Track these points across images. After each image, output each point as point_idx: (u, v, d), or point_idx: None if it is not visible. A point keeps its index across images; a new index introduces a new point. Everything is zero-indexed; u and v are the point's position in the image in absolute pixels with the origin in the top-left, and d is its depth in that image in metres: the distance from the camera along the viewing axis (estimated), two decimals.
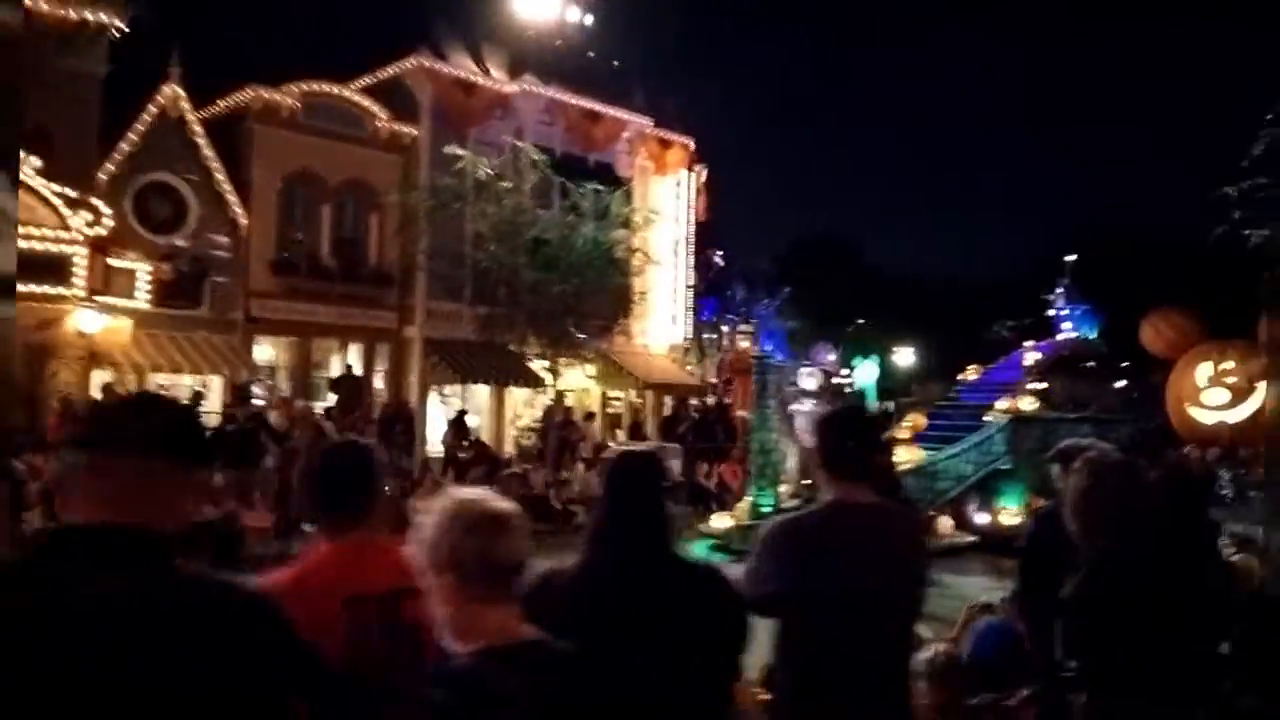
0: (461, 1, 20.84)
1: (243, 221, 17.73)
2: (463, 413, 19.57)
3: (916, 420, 15.57)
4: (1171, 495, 5.03)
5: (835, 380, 44.65)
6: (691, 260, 24.29)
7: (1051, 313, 18.14)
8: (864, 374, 45.72)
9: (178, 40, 16.89)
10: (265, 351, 18.69)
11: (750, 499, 12.78)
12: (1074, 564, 3.23)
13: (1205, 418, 22.74)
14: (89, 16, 14.82)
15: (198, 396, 15.49)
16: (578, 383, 22.91)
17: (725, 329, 26.18)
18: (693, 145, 24.41)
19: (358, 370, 19.47)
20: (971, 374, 17.90)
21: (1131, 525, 3.15)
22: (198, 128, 17.19)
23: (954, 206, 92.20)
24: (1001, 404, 14.37)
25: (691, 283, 24.21)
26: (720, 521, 12.89)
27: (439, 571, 1.84)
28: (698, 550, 11.29)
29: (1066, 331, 17.51)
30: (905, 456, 13.46)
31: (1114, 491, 3.19)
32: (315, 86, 18.53)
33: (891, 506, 3.10)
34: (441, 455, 17.89)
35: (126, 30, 15.46)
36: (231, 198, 17.57)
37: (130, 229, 16.54)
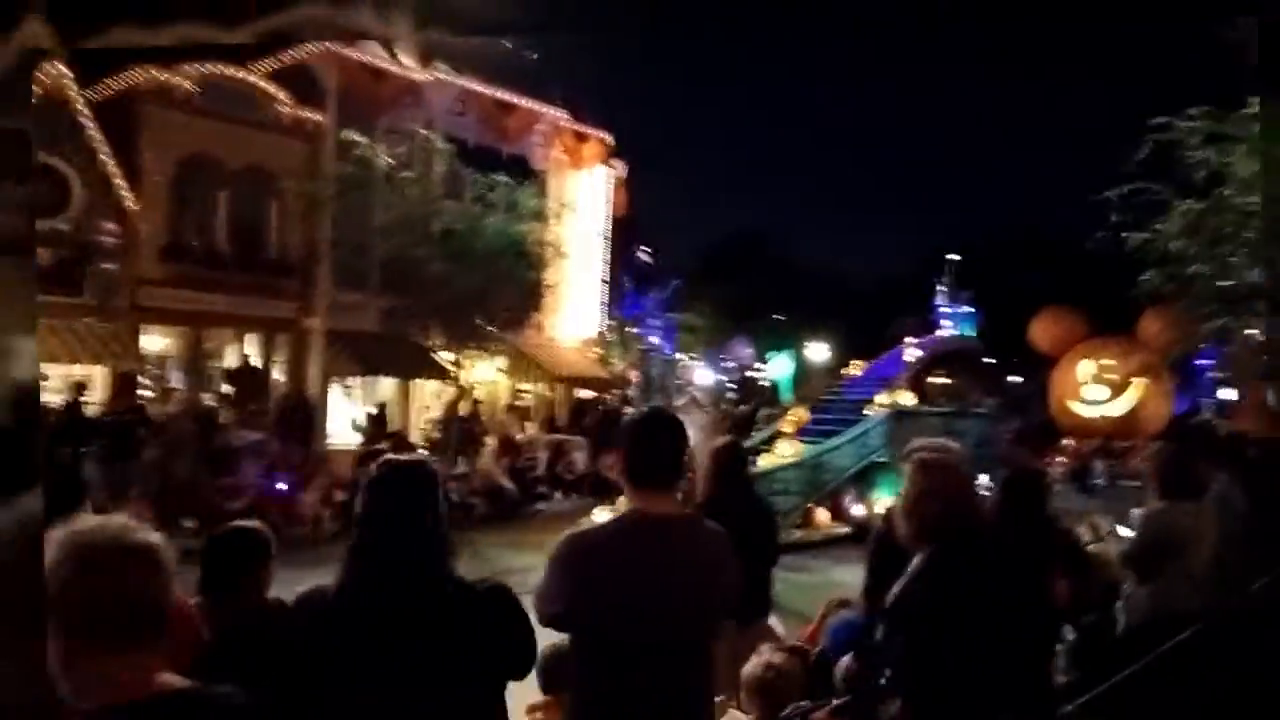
0: None
1: (131, 207, 17.05)
2: (383, 405, 19.24)
3: (800, 414, 15.79)
4: (1010, 498, 5.14)
5: (750, 374, 45.16)
6: (607, 255, 24.24)
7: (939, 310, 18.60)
8: (778, 368, 46.27)
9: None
10: (155, 341, 18.03)
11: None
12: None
13: (1085, 412, 23.63)
14: None
15: (79, 387, 14.88)
16: (487, 375, 22.69)
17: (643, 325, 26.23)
18: (610, 140, 24.34)
19: (256, 361, 18.98)
20: (854, 369, 18.27)
21: (957, 529, 3.14)
22: (83, 108, 16.47)
23: (870, 204, 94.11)
24: (881, 398, 14.62)
25: (606, 277, 24.16)
26: (601, 517, 12.78)
27: (53, 615, 1.52)
28: None
29: (946, 329, 18.00)
30: (787, 450, 13.62)
31: (940, 494, 3.18)
32: (213, 68, 17.90)
33: (695, 520, 2.93)
34: (348, 447, 17.57)
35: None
36: (119, 182, 16.89)
37: None
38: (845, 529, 13.51)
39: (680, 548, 2.67)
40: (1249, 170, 13.13)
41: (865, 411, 14.39)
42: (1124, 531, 5.99)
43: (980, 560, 3.09)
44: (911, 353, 16.30)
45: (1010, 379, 42.24)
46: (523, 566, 12.00)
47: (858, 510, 14.01)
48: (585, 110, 23.77)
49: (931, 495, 3.16)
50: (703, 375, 13.25)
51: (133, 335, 17.15)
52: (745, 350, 46.85)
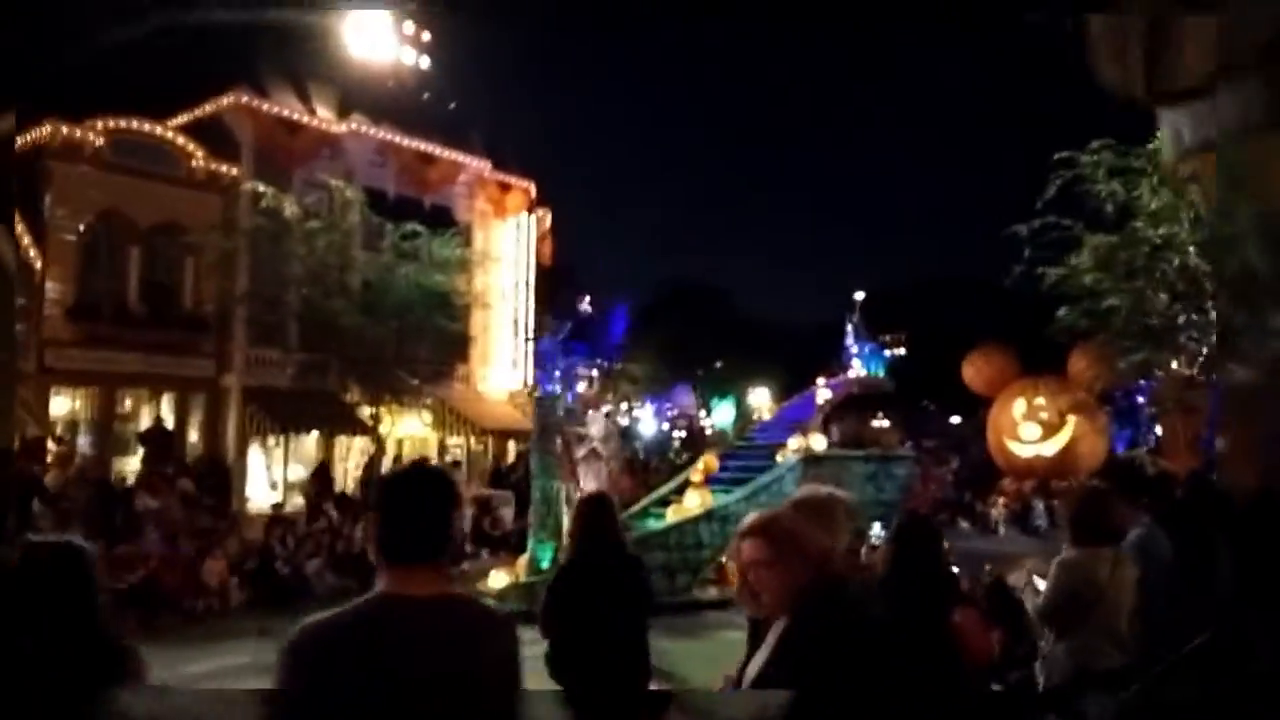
0: (290, 40, 20.18)
1: (37, 265, 16.55)
2: (325, 463, 18.72)
3: (709, 462, 15.55)
4: (900, 548, 4.99)
5: (698, 422, 45.01)
6: (531, 305, 24.10)
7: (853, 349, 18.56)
8: (721, 415, 46.39)
9: None
10: (64, 404, 17.39)
11: (529, 553, 12.16)
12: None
13: (1021, 451, 23.96)
14: None
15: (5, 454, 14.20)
16: (414, 430, 22.29)
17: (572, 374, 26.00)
18: (533, 189, 24.36)
19: (169, 422, 18.38)
20: (766, 413, 18.10)
21: (811, 596, 2.95)
22: None
23: (802, 250, 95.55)
24: (793, 443, 14.41)
25: (532, 328, 23.99)
26: (497, 580, 12.21)
27: None
28: None
29: (856, 368, 17.96)
30: (694, 501, 13.27)
31: (774, 562, 2.97)
32: (123, 123, 17.57)
33: (458, 602, 2.35)
34: (263, 511, 17.02)
35: None
36: (24, 240, 16.38)
37: None
38: None
39: (433, 638, 2.16)
40: (1157, 203, 13.43)
41: (777, 457, 14.13)
42: (1041, 583, 5.73)
43: (843, 626, 2.87)
44: (822, 394, 16.18)
45: (933, 420, 42.76)
46: None
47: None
48: (509, 159, 23.78)
49: (763, 565, 2.94)
50: (594, 426, 12.81)
51: (41, 398, 16.53)
52: (687, 398, 46.97)
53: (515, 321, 23.80)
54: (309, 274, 17.18)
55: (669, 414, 45.07)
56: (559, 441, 12.15)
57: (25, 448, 15.66)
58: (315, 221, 16.39)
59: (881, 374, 17.69)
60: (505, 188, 23.66)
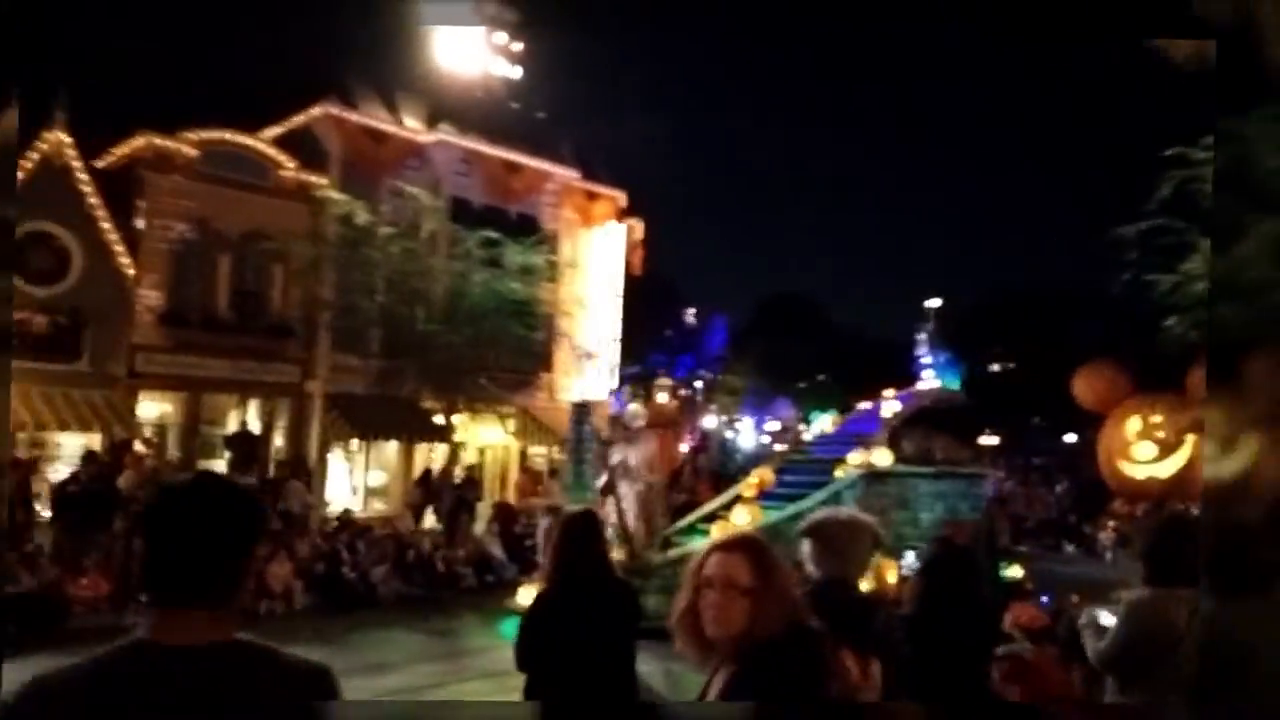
0: (381, 52, 20.48)
1: (129, 272, 17.08)
2: (428, 470, 18.89)
3: (763, 476, 14.70)
4: (931, 583, 4.37)
5: (795, 433, 44.16)
6: (619, 314, 23.75)
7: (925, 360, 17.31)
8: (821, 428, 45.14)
9: (64, 86, 16.43)
10: (152, 408, 17.89)
11: None
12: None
13: (1134, 471, 22.15)
14: None
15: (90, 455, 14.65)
16: (496, 439, 22.22)
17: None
18: (623, 199, 24.06)
19: (254, 427, 18.73)
20: (828, 425, 17.16)
21: (761, 642, 2.39)
22: (83, 175, 16.64)
23: (907, 264, 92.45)
24: (854, 457, 13.45)
25: (618, 336, 23.64)
26: (526, 597, 11.74)
27: None
28: (506, 630, 10.30)
29: (928, 380, 16.67)
30: (743, 518, 12.46)
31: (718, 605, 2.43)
32: (212, 134, 18.04)
33: (244, 654, 1.85)
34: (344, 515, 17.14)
35: None
36: (119, 248, 16.96)
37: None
38: None
39: (194, 697, 1.74)
40: None
41: (836, 472, 13.19)
42: (1107, 619, 4.91)
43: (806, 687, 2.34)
44: (889, 407, 15.12)
45: (1043, 437, 40.57)
46: (481, 647, 11.29)
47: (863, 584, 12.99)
48: (598, 169, 23.55)
49: (738, 589, 2.41)
50: (633, 420, 12.03)
51: (129, 402, 17.03)
52: (787, 411, 46.24)
53: (600, 332, 23.48)
54: (387, 281, 17.26)
55: (769, 427, 44.46)
56: (596, 452, 11.69)
57: (113, 449, 16.13)
58: (388, 229, 16.42)
59: (956, 386, 16.44)
60: (593, 197, 23.43)
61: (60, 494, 12.70)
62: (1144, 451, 21.29)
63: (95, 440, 16.23)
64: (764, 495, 13.83)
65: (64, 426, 15.82)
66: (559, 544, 4.63)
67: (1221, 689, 3.18)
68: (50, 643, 8.73)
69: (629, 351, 27.59)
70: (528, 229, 20.09)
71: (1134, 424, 21.24)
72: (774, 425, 46.30)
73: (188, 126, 17.80)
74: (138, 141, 17.38)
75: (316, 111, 19.19)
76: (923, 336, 16.95)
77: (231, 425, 18.70)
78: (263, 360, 18.57)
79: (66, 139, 16.40)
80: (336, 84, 19.53)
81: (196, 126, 17.91)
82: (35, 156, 16.15)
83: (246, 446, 18.13)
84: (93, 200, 16.71)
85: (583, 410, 12.15)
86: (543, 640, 4.48)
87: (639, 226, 25.56)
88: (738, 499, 13.65)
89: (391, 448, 20.07)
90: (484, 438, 22.08)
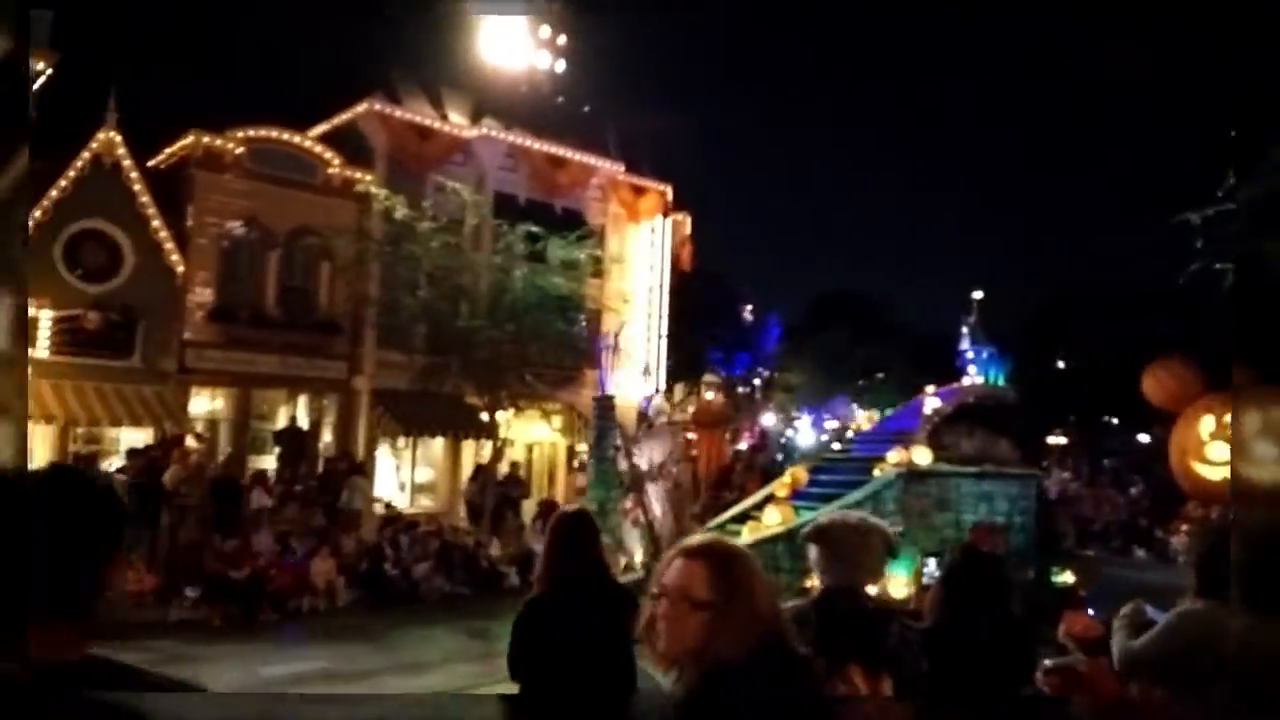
0: (427, 49, 20.48)
1: (179, 269, 17.28)
2: (480, 466, 18.86)
3: (796, 475, 14.05)
4: (954, 593, 3.97)
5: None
6: (665, 309, 23.43)
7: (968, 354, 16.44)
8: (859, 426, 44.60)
9: (115, 86, 16.66)
10: (204, 404, 18.09)
11: None
12: None
13: (1209, 473, 21.11)
14: None
15: (135, 451, 14.86)
16: (543, 435, 22.08)
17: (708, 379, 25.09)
18: (669, 192, 23.72)
19: (303, 422, 18.83)
20: (865, 423, 16.49)
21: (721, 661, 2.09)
22: (134, 174, 16.87)
23: (968, 260, 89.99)
24: (894, 456, 12.80)
25: (665, 332, 23.32)
26: None
27: None
28: None
29: (972, 376, 15.86)
30: (775, 518, 11.92)
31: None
32: (260, 132, 18.17)
33: (102, 670, 1.66)
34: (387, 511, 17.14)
35: (47, 74, 15.18)
36: (169, 246, 17.16)
37: (59, 277, 16.15)
38: None
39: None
40: None
41: (875, 471, 12.63)
42: (1155, 615, 4.46)
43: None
44: (931, 403, 14.43)
45: (1115, 437, 39.22)
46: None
47: (870, 590, 12.26)
48: (644, 163, 23.25)
49: (693, 603, 2.11)
50: (661, 437, 11.50)
51: (180, 397, 17.23)
52: (846, 409, 45.58)
53: (649, 327, 23.21)
54: (429, 277, 17.19)
55: (828, 425, 43.86)
56: (623, 451, 11.34)
57: (163, 445, 16.32)
58: (429, 223, 16.32)
59: (1002, 382, 15.65)
60: (639, 191, 23.14)
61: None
62: (1218, 452, 20.30)
63: (148, 435, 16.50)
64: (797, 495, 13.32)
65: (117, 422, 16.06)
66: (550, 546, 4.35)
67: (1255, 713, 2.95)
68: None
69: (682, 348, 27.29)
70: (573, 224, 19.88)
71: (1208, 423, 20.21)
72: (833, 424, 45.60)
73: (236, 125, 17.96)
74: (187, 140, 17.57)
75: (362, 108, 19.23)
76: (965, 330, 16.17)
77: (281, 421, 18.84)
78: (310, 356, 18.66)
79: (117, 138, 16.64)
80: (382, 81, 19.55)
81: (245, 124, 18.07)
82: (86, 155, 16.41)
83: (295, 442, 18.25)
84: (143, 198, 16.92)
85: (604, 404, 11.80)
86: (534, 648, 4.22)
87: (686, 221, 25.22)
88: (771, 498, 13.19)
89: (438, 444, 20.04)
90: (531, 434, 21.96)
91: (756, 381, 39.11)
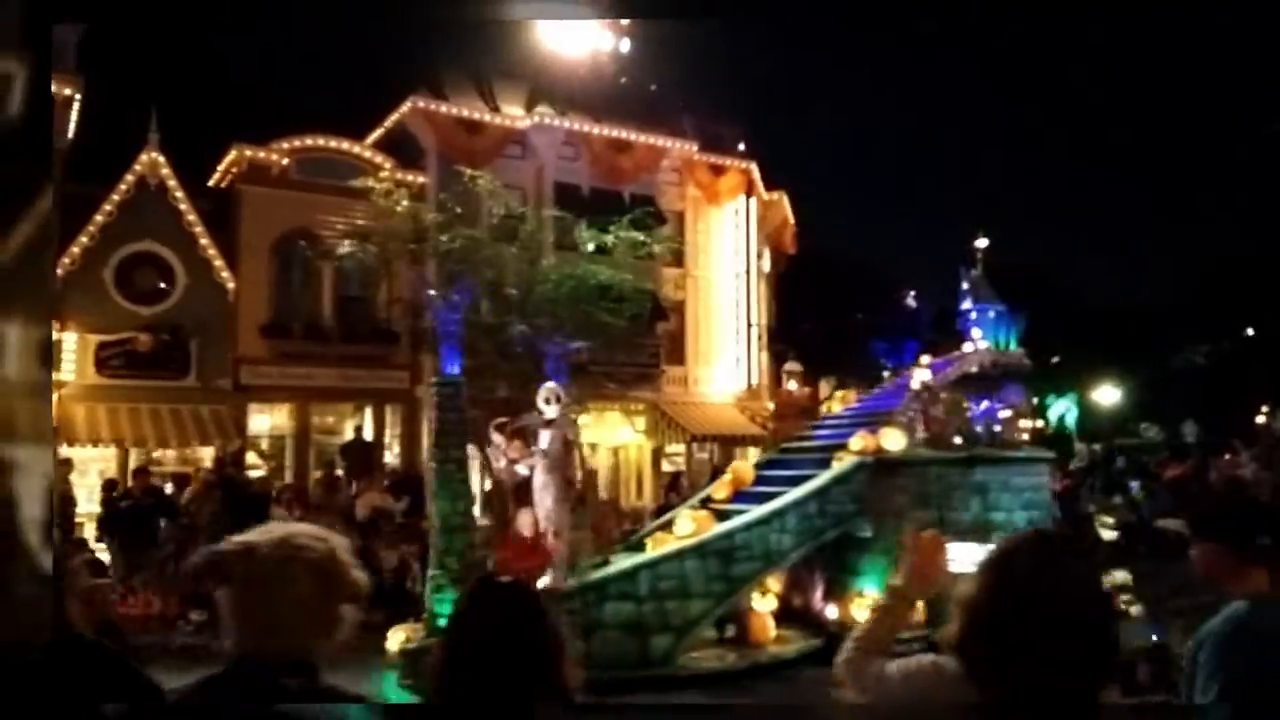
0: (477, 38, 19.61)
1: (229, 286, 17.09)
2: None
3: (739, 472, 11.55)
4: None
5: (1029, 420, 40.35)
6: (753, 298, 21.57)
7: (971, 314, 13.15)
8: (1061, 413, 41.48)
9: (156, 106, 16.66)
10: (264, 420, 17.85)
11: (430, 605, 8.93)
12: None
13: None
14: None
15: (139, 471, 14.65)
16: (626, 438, 20.76)
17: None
18: (754, 169, 21.88)
19: (367, 434, 18.31)
20: (838, 403, 13.81)
21: None
22: (179, 193, 16.80)
23: (1140, 228, 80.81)
24: (857, 442, 10.21)
25: (755, 321, 21.48)
26: (395, 639, 9.11)
27: None
28: (389, 683, 8.49)
29: (976, 340, 12.61)
30: (687, 527, 9.73)
31: None
32: (306, 141, 17.80)
33: None
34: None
35: (78, 97, 15.24)
36: (217, 262, 17.00)
37: (111, 300, 16.23)
38: (812, 641, 9.27)
39: None
40: None
41: (835, 462, 10.11)
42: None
43: None
44: (920, 376, 11.62)
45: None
46: None
47: (832, 612, 9.75)
48: (723, 139, 21.54)
49: None
50: (546, 405, 8.87)
51: (237, 415, 17.00)
52: (1018, 397, 42.25)
53: (736, 316, 21.46)
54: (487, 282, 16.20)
55: (999, 414, 40.53)
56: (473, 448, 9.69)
57: (219, 463, 16.06)
58: (432, 215, 15.29)
59: (1013, 346, 12.62)
60: (718, 171, 21.44)
61: (112, 511, 12.46)
62: None
63: (207, 455, 16.34)
64: (740, 495, 11.07)
65: (167, 444, 15.95)
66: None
67: None
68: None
69: (833, 339, 25.46)
70: (644, 210, 18.46)
71: None
72: (1005, 413, 42.00)
73: (280, 136, 17.67)
74: (231, 155, 17.40)
75: (406, 107, 18.57)
76: (965, 287, 13.29)
77: (347, 434, 18.39)
78: (370, 367, 18.12)
79: (160, 158, 16.61)
80: (425, 76, 18.83)
81: (290, 135, 17.75)
82: (130, 178, 16.44)
83: (362, 455, 17.71)
84: (190, 217, 16.82)
85: (446, 391, 9.87)
86: (450, 673, 2.99)
87: (782, 200, 23.30)
88: (708, 500, 11.14)
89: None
90: (615, 437, 20.70)
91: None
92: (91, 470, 15.80)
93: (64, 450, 15.77)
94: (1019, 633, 1.76)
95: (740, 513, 9.89)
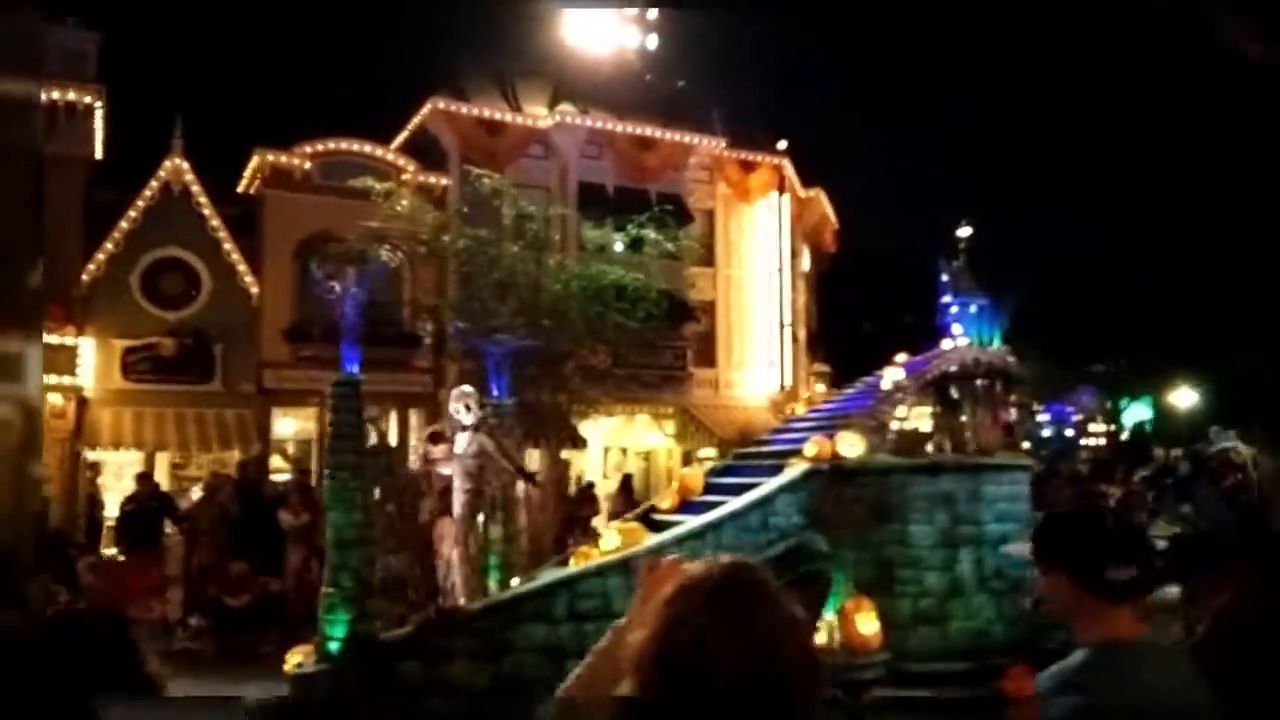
0: (499, 38, 19.50)
1: (253, 290, 17.18)
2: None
3: (687, 480, 10.85)
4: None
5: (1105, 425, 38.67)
6: (786, 297, 20.99)
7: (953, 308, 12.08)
8: (1136, 419, 40.20)
9: (180, 113, 16.85)
10: (289, 424, 17.89)
11: (321, 627, 8.22)
12: None
13: None
14: (57, 97, 14.85)
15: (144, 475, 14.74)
16: (656, 442, 20.36)
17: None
18: (786, 165, 21.32)
19: (393, 438, 18.23)
20: (801, 406, 13.01)
21: None
22: (203, 198, 16.95)
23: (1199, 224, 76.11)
24: (811, 448, 9.39)
25: (788, 321, 20.89)
26: (293, 660, 8.49)
27: None
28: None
29: (956, 336, 11.53)
30: (614, 541, 8.91)
31: None
32: (329, 145, 17.83)
33: None
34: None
35: (98, 107, 15.46)
36: (241, 267, 17.11)
37: (138, 306, 16.42)
38: None
39: None
40: None
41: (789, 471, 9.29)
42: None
43: None
44: (892, 375, 10.72)
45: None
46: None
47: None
48: (752, 135, 21.02)
49: None
50: (461, 411, 8.05)
51: (261, 419, 17.07)
52: (1090, 399, 41.37)
53: (771, 317, 20.90)
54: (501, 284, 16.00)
55: (1073, 418, 39.67)
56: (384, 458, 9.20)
57: (243, 466, 16.12)
58: (439, 216, 15.15)
59: (996, 343, 11.52)
60: (749, 167, 20.93)
61: (120, 514, 12.52)
62: None
63: (232, 458, 16.41)
64: (685, 507, 10.33)
65: (205, 447, 16.07)
66: None
67: None
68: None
69: (875, 341, 24.72)
70: (672, 209, 18.09)
71: None
72: (1077, 416, 40.83)
73: (303, 140, 17.73)
74: (254, 160, 17.51)
75: (427, 109, 18.49)
76: (945, 279, 12.31)
77: (370, 438, 18.33)
78: (393, 371, 18.00)
79: (184, 164, 16.77)
80: (445, 77, 18.74)
81: (313, 139, 17.80)
82: (155, 184, 16.63)
83: (384, 459, 17.64)
84: (214, 222, 16.96)
85: (343, 391, 9.30)
86: None
87: (819, 197, 22.68)
88: (650, 510, 10.49)
89: (535, 456, 18.81)
90: (644, 441, 20.33)
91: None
92: (126, 474, 16.01)
93: (91, 454, 16.04)
94: (696, 696, 1.29)
95: (684, 522, 9.24)
